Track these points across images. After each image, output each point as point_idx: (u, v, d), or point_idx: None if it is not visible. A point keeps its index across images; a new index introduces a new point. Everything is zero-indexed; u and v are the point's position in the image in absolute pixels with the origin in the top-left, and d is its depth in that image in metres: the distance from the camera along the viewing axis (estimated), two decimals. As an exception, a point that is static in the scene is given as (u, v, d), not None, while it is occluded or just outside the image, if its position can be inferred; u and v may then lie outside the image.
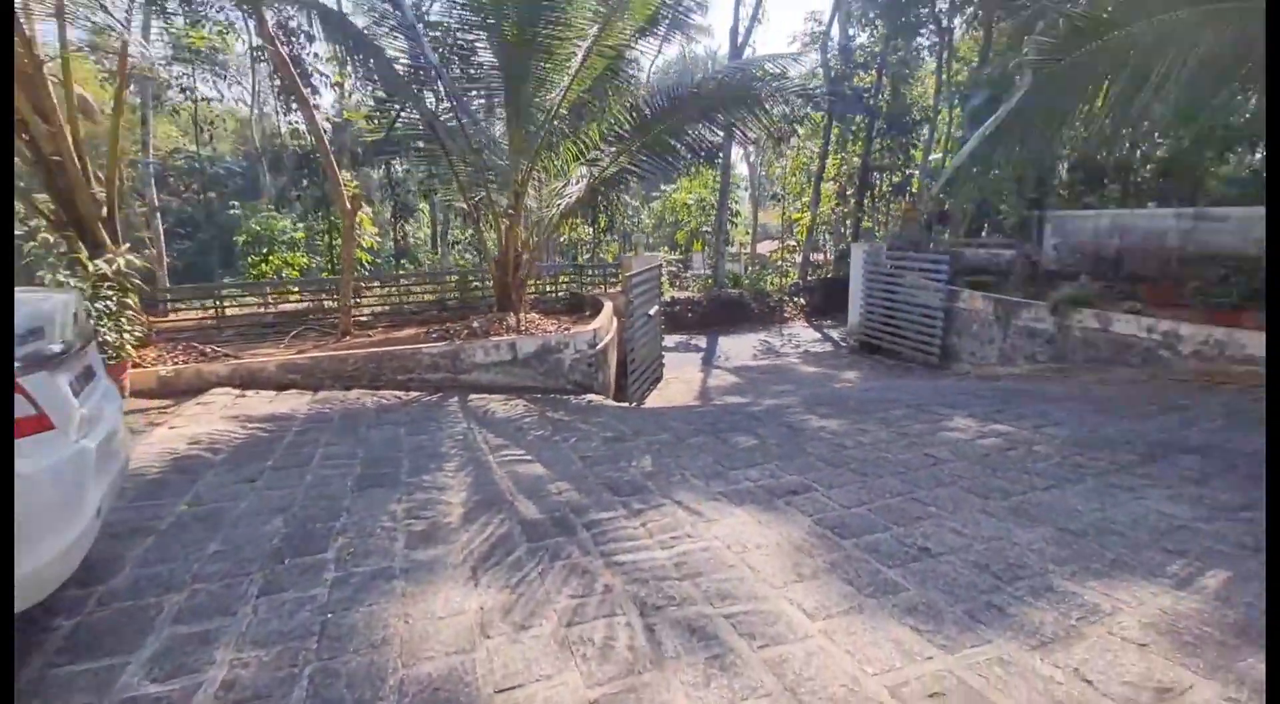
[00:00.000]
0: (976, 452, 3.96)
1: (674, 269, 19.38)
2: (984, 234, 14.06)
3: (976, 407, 5.27)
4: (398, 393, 5.51)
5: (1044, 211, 10.05)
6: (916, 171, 18.73)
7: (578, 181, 7.11)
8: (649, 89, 7.02)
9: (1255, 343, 5.67)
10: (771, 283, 18.55)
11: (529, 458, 3.98)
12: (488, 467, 3.77)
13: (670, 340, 13.91)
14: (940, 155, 17.90)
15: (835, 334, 14.28)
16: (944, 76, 17.60)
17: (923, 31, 17.54)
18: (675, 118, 6.59)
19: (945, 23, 17.04)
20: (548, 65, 5.92)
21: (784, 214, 20.77)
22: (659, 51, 6.35)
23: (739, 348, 13.37)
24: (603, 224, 14.80)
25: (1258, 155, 10.33)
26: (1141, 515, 2.93)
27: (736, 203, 20.24)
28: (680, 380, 9.81)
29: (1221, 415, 4.58)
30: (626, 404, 7.24)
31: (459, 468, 3.73)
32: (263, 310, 9.88)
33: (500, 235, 6.87)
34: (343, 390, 5.41)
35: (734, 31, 15.29)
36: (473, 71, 6.95)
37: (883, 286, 10.98)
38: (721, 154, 16.28)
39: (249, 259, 12.14)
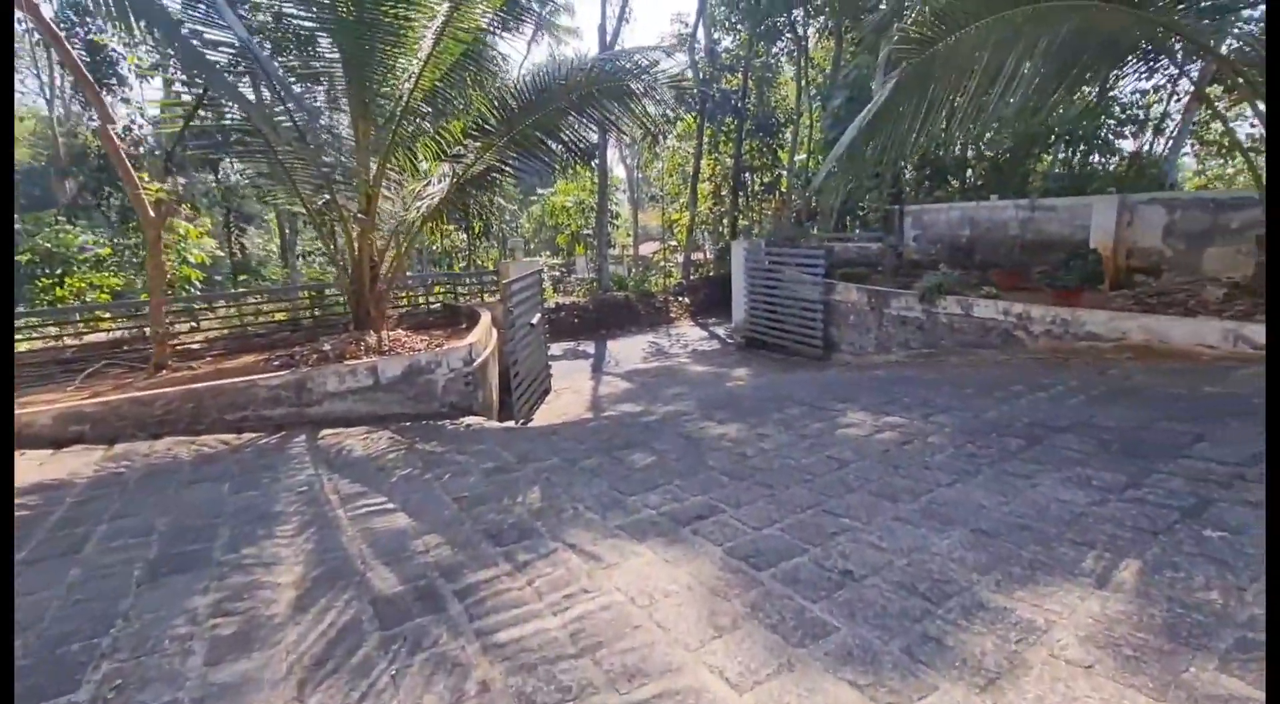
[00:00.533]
0: (876, 449, 3.85)
1: (557, 274, 18.81)
2: (852, 229, 14.85)
3: (866, 399, 5.28)
4: (226, 438, 4.56)
5: (903, 206, 10.68)
6: (785, 171, 19.57)
7: (440, 181, 6.41)
8: (515, 81, 6.45)
9: (1094, 321, 6.18)
10: (656, 284, 18.54)
11: (391, 506, 3.34)
12: (336, 525, 3.09)
13: (558, 348, 13.37)
14: (805, 156, 18.84)
15: (721, 331, 14.46)
16: (803, 82, 18.52)
17: (780, 40, 18.37)
18: (545, 111, 6.11)
19: (801, 31, 17.93)
20: (394, 49, 5.20)
21: (664, 215, 20.90)
22: (527, 53, 5.91)
23: (628, 351, 13.11)
24: (478, 229, 13.95)
25: (1075, 153, 11.67)
26: (1042, 505, 2.88)
27: (616, 205, 20.07)
28: (571, 390, 9.33)
29: (1079, 391, 4.86)
30: (512, 423, 6.65)
31: (298, 531, 3.02)
32: (61, 344, 8.15)
33: (352, 243, 6.02)
34: (149, 440, 4.38)
35: (602, 29, 15.05)
36: (314, 61, 6.04)
37: (764, 283, 11.17)
38: (598, 154, 15.98)
39: (37, 282, 9.99)
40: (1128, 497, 2.91)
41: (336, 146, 5.50)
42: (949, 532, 2.69)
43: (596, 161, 15.65)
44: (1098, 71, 5.26)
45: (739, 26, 16.87)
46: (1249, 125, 15.27)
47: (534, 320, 8.11)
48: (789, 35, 17.98)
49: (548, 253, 22.33)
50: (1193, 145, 13.58)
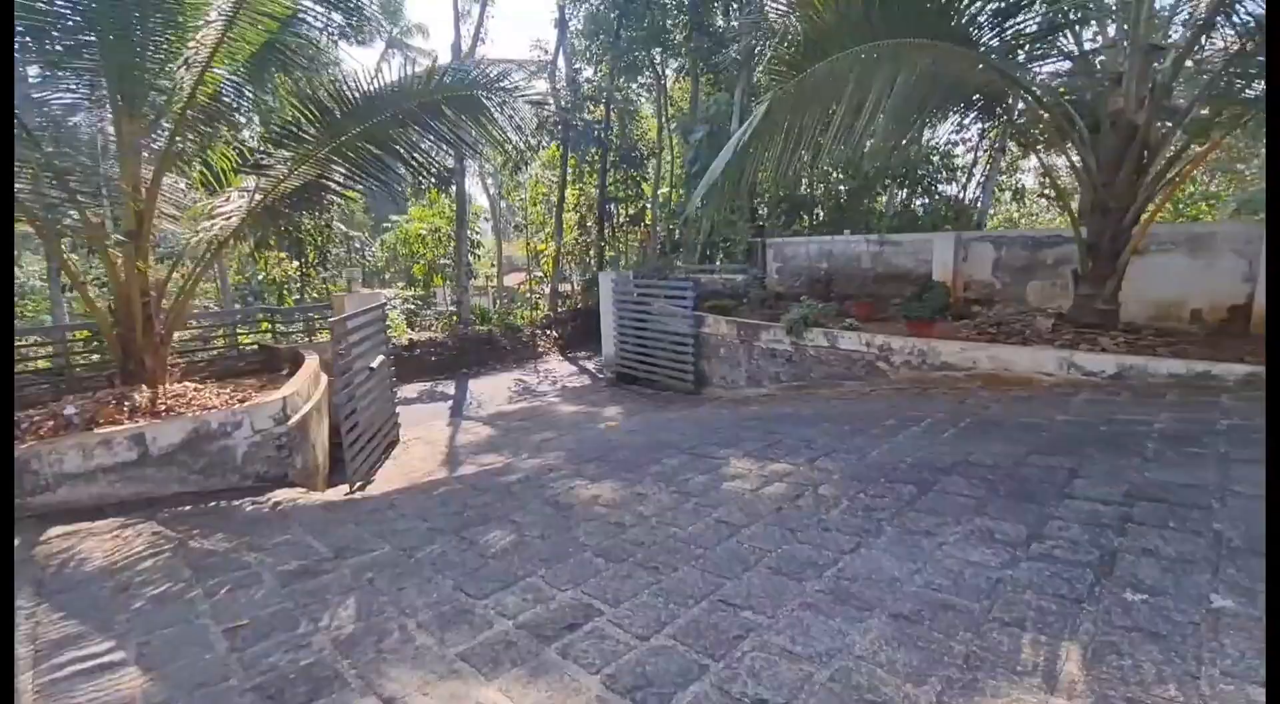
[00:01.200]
0: (767, 506, 3.43)
1: (412, 307, 17.29)
2: (715, 261, 15.13)
3: (747, 442, 4.94)
4: None
5: (765, 239, 10.93)
6: (649, 204, 19.78)
7: (242, 197, 5.24)
8: (333, 80, 5.46)
9: (948, 351, 6.42)
10: (522, 317, 17.68)
11: (117, 658, 2.29)
12: (5, 708, 2.00)
13: (411, 390, 12.07)
14: (668, 188, 19.17)
15: (592, 366, 13.93)
16: (663, 118, 18.95)
17: (641, 77, 18.70)
18: (375, 121, 5.22)
19: (660, 69, 18.38)
20: (169, 30, 4.10)
21: (529, 245, 20.18)
22: (375, 72, 5.05)
23: (493, 390, 12.13)
24: (312, 257, 12.27)
25: (906, 195, 12.74)
26: (956, 572, 2.56)
27: (478, 234, 19.04)
28: (423, 440, 8.21)
29: (948, 423, 4.86)
30: (344, 491, 5.52)
31: (-74, 731, 1.89)
32: None
33: (117, 272, 4.66)
34: None
35: (456, 48, 14.25)
36: (62, 37, 4.67)
37: (633, 316, 10.82)
38: (455, 179, 14.98)
39: None
40: (1035, 552, 2.69)
41: (88, 150, 4.21)
42: (867, 620, 2.25)
43: (454, 187, 14.64)
44: (946, 112, 5.56)
45: (601, 60, 16.89)
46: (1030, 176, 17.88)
47: (374, 363, 7.00)
48: (649, 73, 18.37)
49: (402, 283, 20.59)
50: (997, 190, 15.60)
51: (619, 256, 19.51)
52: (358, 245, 25.34)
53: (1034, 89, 5.89)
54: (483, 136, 5.90)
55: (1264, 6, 4.45)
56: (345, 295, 7.57)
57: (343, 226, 13.58)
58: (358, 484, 6.03)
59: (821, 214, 15.36)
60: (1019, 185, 15.72)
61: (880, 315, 8.51)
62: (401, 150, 5.66)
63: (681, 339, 9.79)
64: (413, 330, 15.67)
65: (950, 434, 4.64)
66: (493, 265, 26.76)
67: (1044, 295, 7.74)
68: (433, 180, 14.74)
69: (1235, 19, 5.07)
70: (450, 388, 12.59)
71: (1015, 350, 6.06)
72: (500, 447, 7.50)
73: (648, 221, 19.89)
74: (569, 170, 17.53)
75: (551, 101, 16.64)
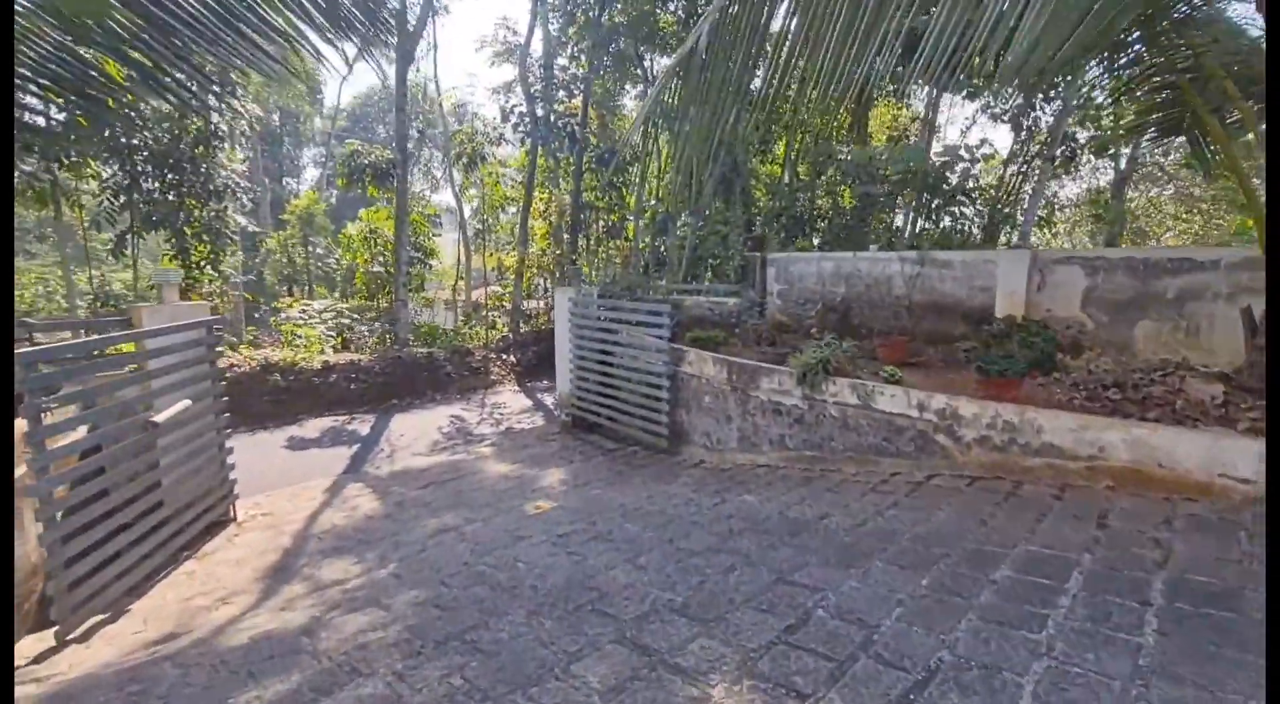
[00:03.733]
0: None
1: (347, 321, 14.78)
2: (706, 280, 12.84)
3: (741, 607, 2.51)
4: None
5: (765, 254, 8.63)
6: (631, 216, 17.53)
7: None
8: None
9: (1055, 427, 4.10)
10: (477, 336, 15.23)
11: None
12: None
13: (316, 427, 9.59)
14: (652, 199, 16.92)
15: (550, 400, 11.48)
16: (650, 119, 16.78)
17: (628, 80, 16.56)
18: None
19: (649, 65, 16.26)
20: None
21: (492, 255, 17.80)
22: None
23: (419, 431, 9.63)
24: (197, 254, 9.63)
25: (930, 207, 10.57)
26: None
27: (434, 237, 16.60)
28: (270, 519, 5.70)
29: (1127, 589, 2.48)
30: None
31: None
32: None
33: None
34: None
35: (400, 15, 11.94)
36: None
37: (595, 344, 8.44)
38: (395, 171, 12.59)
39: None
40: None
41: None
42: None
43: (395, 177, 12.26)
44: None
45: (578, 45, 14.68)
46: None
47: (174, 410, 4.51)
48: (636, 71, 16.24)
49: (336, 295, 18.06)
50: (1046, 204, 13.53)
51: (596, 272, 17.18)
52: (319, 251, 22.80)
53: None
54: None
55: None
56: (145, 308, 5.11)
57: (241, 219, 11.13)
58: (73, 629, 3.52)
59: (826, 229, 13.20)
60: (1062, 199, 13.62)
61: (916, 358, 6.22)
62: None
63: (654, 380, 7.42)
64: (344, 349, 13.13)
65: (1143, 613, 2.26)
66: (460, 278, 24.30)
67: (1160, 342, 5.49)
68: (369, 174, 12.41)
69: None
70: (367, 426, 10.07)
71: (1172, 434, 3.75)
72: (370, 541, 5.01)
73: (629, 234, 17.62)
74: (538, 169, 15.20)
75: (517, 104, 14.42)
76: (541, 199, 16.27)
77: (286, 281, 26.30)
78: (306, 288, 23.02)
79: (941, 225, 12.12)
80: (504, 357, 14.30)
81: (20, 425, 3.35)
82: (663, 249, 16.34)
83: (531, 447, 8.33)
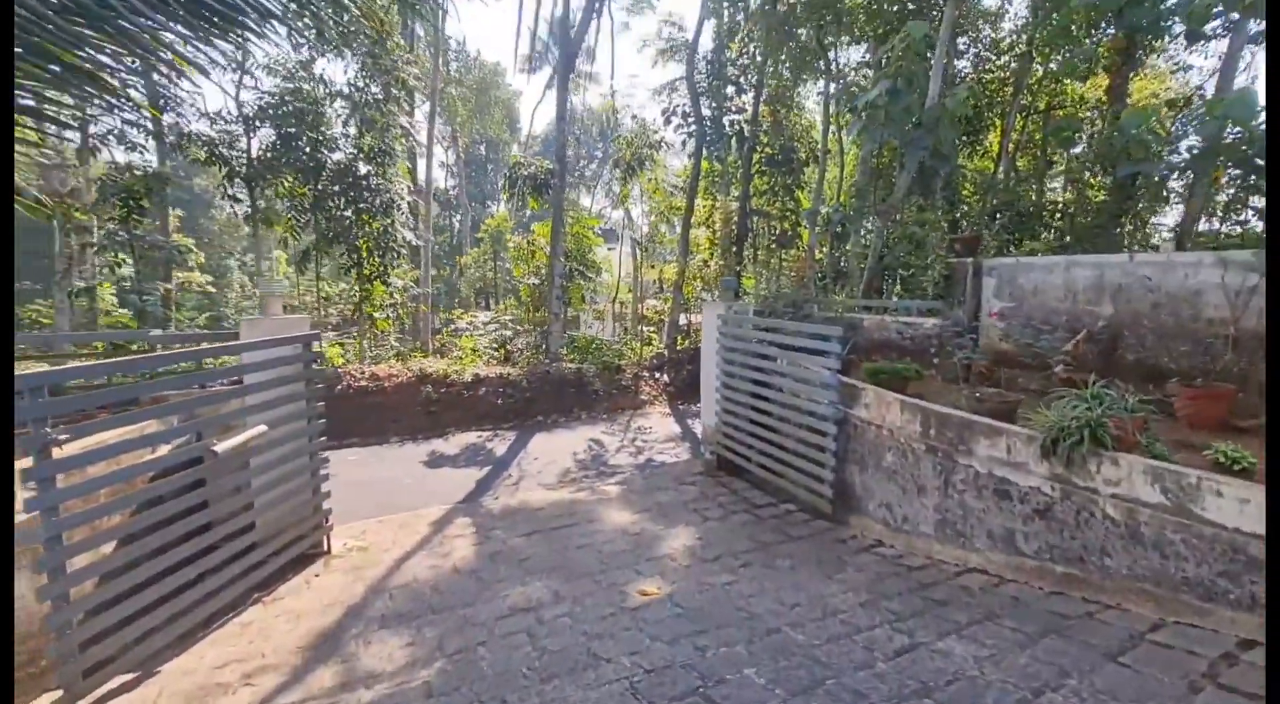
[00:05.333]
0: None
1: (510, 332, 14.93)
2: (891, 294, 10.62)
3: None
4: None
5: (980, 259, 6.43)
6: (807, 224, 15.61)
7: None
8: None
9: None
10: (631, 352, 14.45)
11: None
12: None
13: (458, 443, 9.37)
14: (831, 208, 14.83)
15: (700, 429, 10.17)
16: (831, 114, 14.76)
17: (809, 73, 14.74)
18: None
19: (833, 55, 14.31)
20: None
21: (654, 266, 17.03)
22: None
23: (552, 456, 8.90)
24: (371, 267, 9.78)
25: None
26: None
27: (600, 249, 16.26)
28: (364, 556, 5.11)
29: None
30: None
31: None
32: None
33: None
34: None
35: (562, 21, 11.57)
36: None
37: (747, 372, 6.94)
38: (554, 181, 12.27)
39: None
40: None
41: None
42: None
43: (552, 187, 11.93)
44: None
45: (753, 34, 13.28)
46: None
47: (224, 444, 4.00)
48: (818, 64, 14.38)
49: (508, 302, 18.52)
50: None
51: (764, 286, 15.55)
52: (507, 266, 24.19)
53: None
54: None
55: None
56: (251, 321, 4.80)
57: (408, 233, 11.48)
58: (83, 696, 2.97)
59: (1061, 230, 10.24)
60: None
61: (1248, 423, 3.82)
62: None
63: (818, 423, 5.72)
64: (505, 362, 13.10)
65: None
66: (629, 290, 24.07)
67: None
68: (528, 185, 12.27)
69: None
70: (506, 445, 9.61)
71: None
72: (440, 608, 4.10)
73: (803, 243, 15.71)
74: (701, 174, 14.04)
75: (682, 104, 13.39)
76: (705, 206, 15.12)
77: (480, 295, 28.47)
78: (497, 301, 24.43)
79: (1247, 226, 8.69)
80: (656, 376, 13.30)
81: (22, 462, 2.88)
82: (842, 261, 14.21)
83: (665, 489, 7.05)
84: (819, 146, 14.93)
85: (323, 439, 5.08)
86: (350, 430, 9.84)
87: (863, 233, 12.49)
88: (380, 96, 9.71)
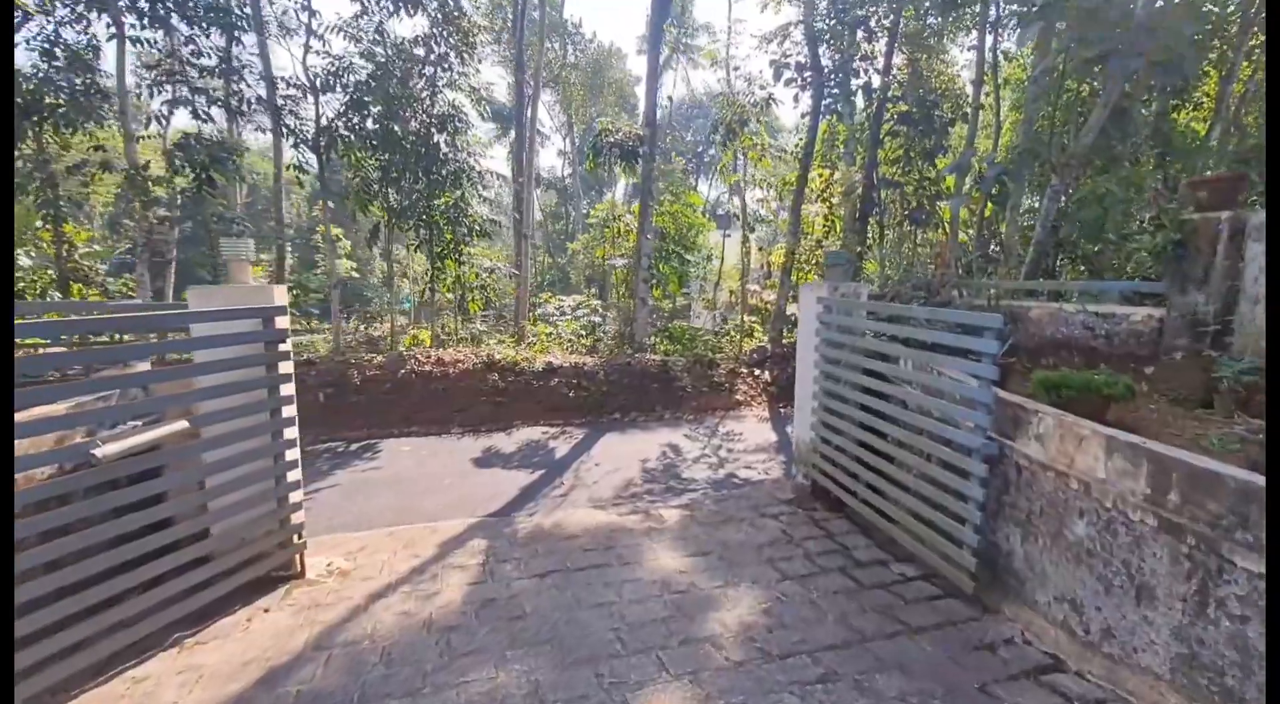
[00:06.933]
0: None
1: (597, 319, 13.86)
2: (1074, 274, 8.07)
3: None
4: None
5: (1244, 213, 4.14)
6: (944, 197, 12.94)
7: None
8: None
9: None
10: (730, 345, 12.79)
11: None
12: None
13: (521, 439, 8.44)
14: (985, 157, 12.11)
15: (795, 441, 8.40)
16: (986, 64, 11.98)
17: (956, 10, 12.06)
18: None
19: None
20: None
21: (761, 249, 15.13)
22: None
23: (618, 463, 7.61)
24: (445, 240, 8.88)
25: None
26: None
27: (698, 230, 14.70)
28: (335, 585, 4.10)
29: None
30: None
31: None
32: None
33: None
34: None
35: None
36: None
37: (857, 374, 5.15)
38: (644, 147, 10.86)
39: None
40: None
41: None
42: None
43: (641, 155, 10.55)
44: None
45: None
46: None
47: (111, 447, 3.06)
48: (972, 9, 11.70)
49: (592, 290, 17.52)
50: None
51: (887, 269, 13.17)
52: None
53: None
54: None
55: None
56: (202, 290, 3.91)
57: (485, 211, 10.64)
58: None
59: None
60: None
61: None
62: None
63: (957, 456, 3.88)
64: (583, 352, 12.03)
65: None
66: (737, 274, 22.27)
67: None
68: (615, 153, 10.96)
69: None
70: (570, 445, 8.46)
71: None
72: (380, 688, 2.91)
73: (943, 220, 13.08)
74: (817, 139, 11.94)
75: (795, 53, 11.34)
76: (821, 177, 13.00)
77: (590, 282, 28.08)
78: (605, 288, 23.73)
79: None
80: (756, 372, 11.55)
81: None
82: (994, 243, 11.53)
83: (738, 522, 5.47)
84: (970, 101, 12.24)
85: (291, 437, 4.10)
86: (413, 418, 9.20)
87: (1023, 206, 9.89)
88: (451, 54, 8.93)
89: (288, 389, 4.07)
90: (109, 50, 8.05)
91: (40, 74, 8.13)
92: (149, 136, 9.03)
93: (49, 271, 8.22)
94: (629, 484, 6.85)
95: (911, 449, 4.44)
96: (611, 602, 3.91)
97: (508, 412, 9.56)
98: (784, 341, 12.55)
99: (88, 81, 8.34)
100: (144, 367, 4.44)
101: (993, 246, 12.34)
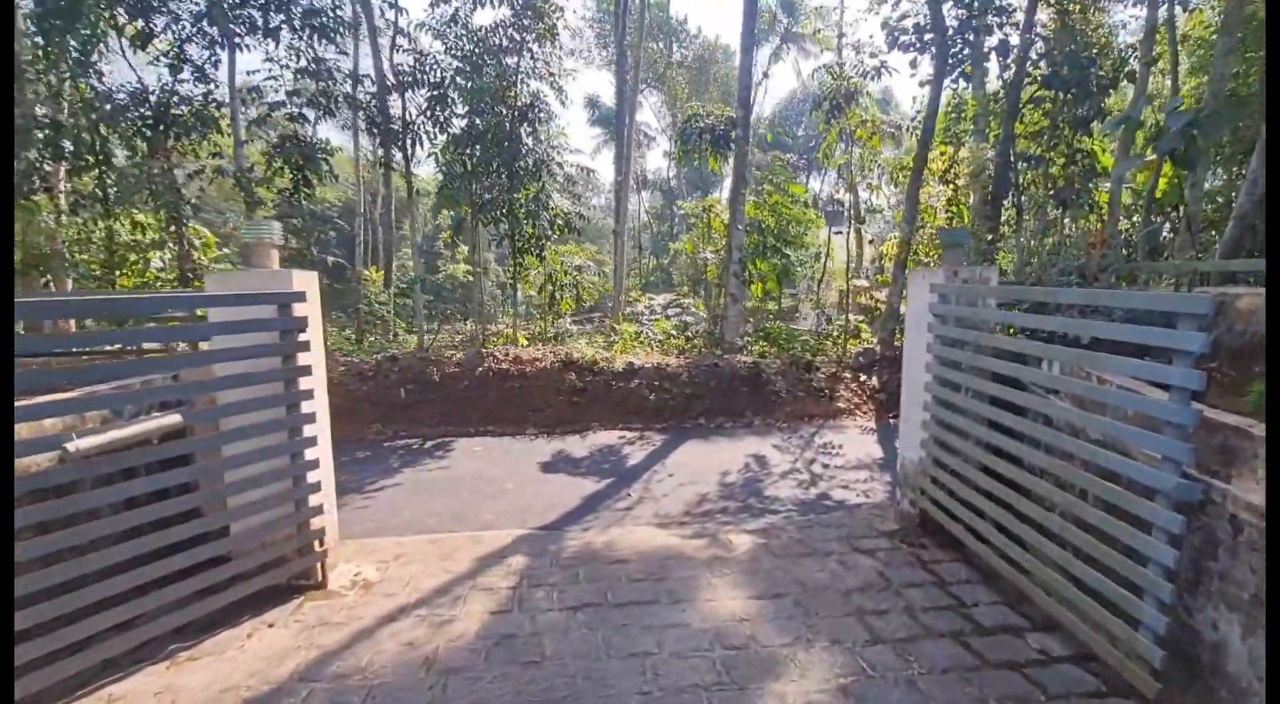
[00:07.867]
0: None
1: (690, 318, 13.13)
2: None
3: None
4: None
5: None
6: (1098, 179, 10.82)
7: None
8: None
9: None
10: (833, 345, 11.55)
11: None
12: None
13: (594, 443, 8.01)
14: (1165, 106, 9.96)
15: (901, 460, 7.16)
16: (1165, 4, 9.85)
17: None
18: None
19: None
20: None
21: (871, 241, 13.64)
22: None
23: (694, 474, 6.88)
24: (525, 235, 8.60)
25: None
26: None
27: (805, 225, 13.51)
28: (354, 601, 3.74)
29: None
30: None
31: None
32: None
33: None
34: None
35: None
36: None
37: (982, 380, 4.03)
38: (737, 131, 9.98)
39: None
40: None
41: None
42: None
43: (735, 138, 9.68)
44: None
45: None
46: None
47: (74, 445, 2.79)
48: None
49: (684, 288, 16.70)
50: None
51: (1023, 261, 11.27)
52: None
53: None
54: None
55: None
56: (221, 275, 3.67)
57: (565, 202, 10.26)
58: None
59: None
60: None
61: None
62: None
63: (1135, 500, 2.76)
64: (673, 353, 11.32)
65: None
66: (847, 271, 20.66)
67: None
68: (706, 140, 10.15)
69: None
70: (645, 452, 7.82)
71: None
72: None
73: (1099, 203, 11.00)
74: (940, 110, 10.39)
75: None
76: (944, 156, 11.36)
77: (694, 282, 27.48)
78: (706, 288, 23.06)
79: None
80: (861, 377, 10.29)
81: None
82: (1175, 219, 9.45)
83: (823, 555, 4.51)
84: (1138, 57, 10.15)
85: (311, 435, 3.77)
86: (490, 417, 8.99)
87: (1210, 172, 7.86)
88: (531, 40, 8.65)
89: (308, 382, 3.74)
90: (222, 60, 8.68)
91: (168, 87, 8.79)
92: (250, 140, 9.63)
93: (173, 272, 8.96)
94: (702, 500, 6.07)
95: (1059, 481, 3.31)
96: (648, 653, 3.18)
97: (584, 413, 9.10)
98: (896, 343, 11.11)
99: (207, 93, 8.93)
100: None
101: (1166, 231, 10.18)
